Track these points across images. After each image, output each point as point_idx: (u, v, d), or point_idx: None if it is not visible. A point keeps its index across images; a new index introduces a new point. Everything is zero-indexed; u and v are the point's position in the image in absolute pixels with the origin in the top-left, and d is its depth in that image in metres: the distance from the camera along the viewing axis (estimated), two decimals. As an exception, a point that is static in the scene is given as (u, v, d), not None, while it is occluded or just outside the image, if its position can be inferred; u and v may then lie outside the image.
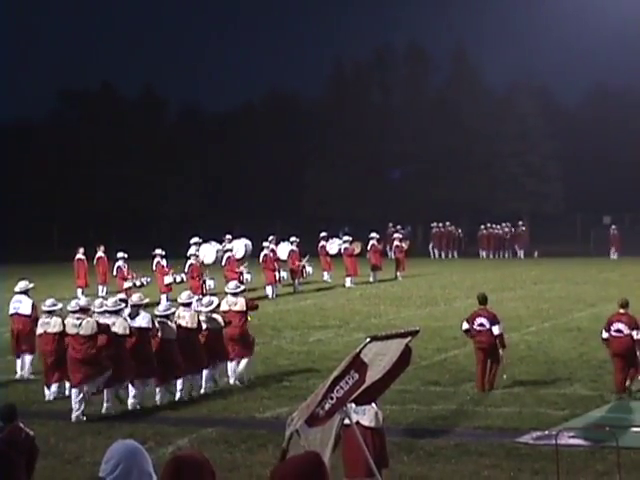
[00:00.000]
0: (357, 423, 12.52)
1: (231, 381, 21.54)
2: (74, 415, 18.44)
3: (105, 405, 19.19)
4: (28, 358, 22.96)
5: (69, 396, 19.32)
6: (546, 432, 16.36)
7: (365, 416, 12.77)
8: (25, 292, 23.42)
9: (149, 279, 35.94)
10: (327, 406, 12.01)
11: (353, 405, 12.41)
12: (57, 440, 16.20)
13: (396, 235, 51.71)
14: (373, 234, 47.17)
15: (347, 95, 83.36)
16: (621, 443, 14.81)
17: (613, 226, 60.75)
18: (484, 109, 79.66)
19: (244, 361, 21.81)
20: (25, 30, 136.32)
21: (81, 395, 18.71)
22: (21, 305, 23.22)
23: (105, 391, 19.29)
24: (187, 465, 5.96)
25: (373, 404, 12.87)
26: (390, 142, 79.80)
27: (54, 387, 20.47)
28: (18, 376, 22.82)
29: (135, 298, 20.78)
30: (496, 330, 20.43)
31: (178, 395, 20.27)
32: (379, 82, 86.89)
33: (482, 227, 64.51)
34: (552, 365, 22.86)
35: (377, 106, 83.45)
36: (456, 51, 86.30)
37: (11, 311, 23.51)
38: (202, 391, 20.83)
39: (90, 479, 6.20)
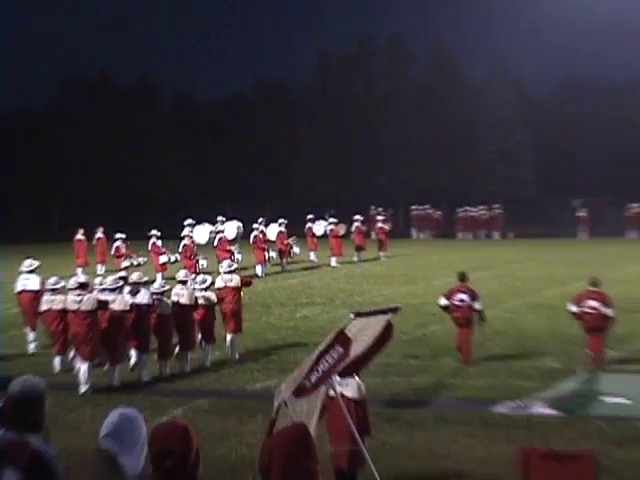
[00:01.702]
0: (341, 395, 12.55)
1: (237, 356, 21.64)
2: (82, 389, 18.48)
3: (112, 378, 19.28)
4: (32, 333, 23.02)
5: (73, 369, 19.41)
6: (520, 402, 16.46)
7: (349, 388, 12.80)
8: (32, 271, 23.48)
9: (145, 259, 35.92)
10: (313, 378, 12.03)
11: (337, 377, 12.44)
12: (59, 411, 16.14)
13: (379, 217, 51.88)
14: (357, 216, 47.39)
15: (332, 85, 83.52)
16: (589, 412, 14.86)
17: (582, 209, 61.03)
18: (462, 99, 79.87)
19: (237, 336, 21.91)
20: (26, 21, 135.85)
21: (89, 370, 18.76)
22: (29, 282, 23.31)
23: (110, 367, 19.38)
24: (173, 429, 5.97)
25: (356, 376, 12.91)
26: (373, 130, 79.91)
27: (58, 359, 20.53)
28: (28, 349, 22.87)
29: (135, 276, 20.79)
30: (477, 305, 20.59)
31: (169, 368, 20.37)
32: (363, 73, 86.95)
33: (460, 210, 64.76)
34: (525, 340, 22.97)
35: (361, 96, 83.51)
36: (435, 44, 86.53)
37: (19, 288, 23.51)
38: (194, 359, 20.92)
39: (93, 450, 6.21)
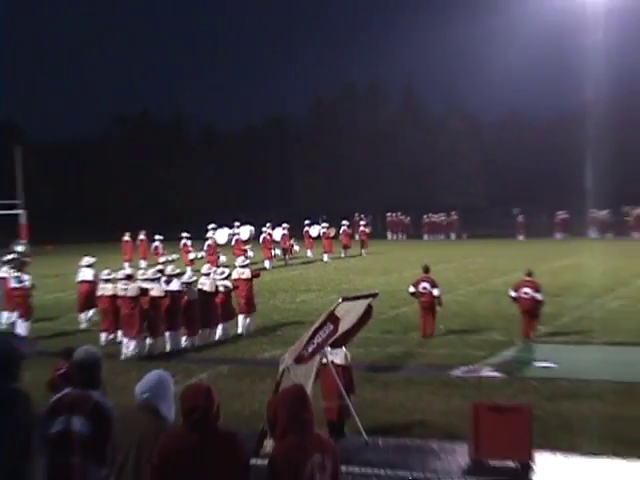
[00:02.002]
0: (332, 362, 12.58)
1: (239, 331, 21.65)
2: (128, 357, 18.59)
3: (151, 349, 19.37)
4: (90, 314, 23.06)
5: (119, 342, 19.43)
6: (471, 367, 16.49)
7: (338, 356, 12.82)
8: (89, 265, 23.55)
9: (177, 256, 35.93)
10: (310, 349, 12.09)
11: (329, 348, 12.48)
12: (109, 374, 16.08)
13: (361, 222, 51.92)
14: (344, 222, 47.58)
15: (324, 119, 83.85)
16: (525, 374, 14.91)
17: (520, 216, 61.11)
18: (427, 130, 79.97)
19: (250, 317, 21.94)
20: (81, 66, 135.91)
21: (132, 343, 18.89)
22: (85, 274, 23.42)
23: (150, 340, 19.47)
24: (199, 389, 6.02)
25: (344, 347, 12.94)
26: (356, 155, 79.98)
27: (104, 335, 20.58)
28: (83, 327, 22.91)
29: (169, 269, 20.84)
30: (436, 292, 20.59)
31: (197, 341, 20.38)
32: (347, 111, 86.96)
33: (425, 216, 64.81)
34: (476, 318, 22.99)
35: (346, 128, 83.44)
36: (405, 86, 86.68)
37: (79, 279, 23.66)
38: (216, 338, 20.94)
39: (139, 404, 6.31)
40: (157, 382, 6.28)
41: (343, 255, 45.20)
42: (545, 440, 11.76)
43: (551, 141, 73.20)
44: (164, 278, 20.09)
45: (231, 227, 43.27)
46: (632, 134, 65.88)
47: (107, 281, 20.77)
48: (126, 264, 37.34)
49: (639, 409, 13.77)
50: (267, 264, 39.14)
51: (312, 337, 12.10)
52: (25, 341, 7.57)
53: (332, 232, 45.42)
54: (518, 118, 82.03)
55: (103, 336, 20.47)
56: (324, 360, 12.35)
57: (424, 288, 20.70)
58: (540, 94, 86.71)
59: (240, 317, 21.74)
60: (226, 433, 5.85)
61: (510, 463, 11.16)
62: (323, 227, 45.77)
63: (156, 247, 39.61)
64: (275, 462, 5.74)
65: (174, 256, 34.10)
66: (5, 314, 22.70)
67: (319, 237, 45.20)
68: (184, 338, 20.05)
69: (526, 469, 11.01)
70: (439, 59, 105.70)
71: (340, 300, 12.80)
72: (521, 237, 58.56)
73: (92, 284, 22.75)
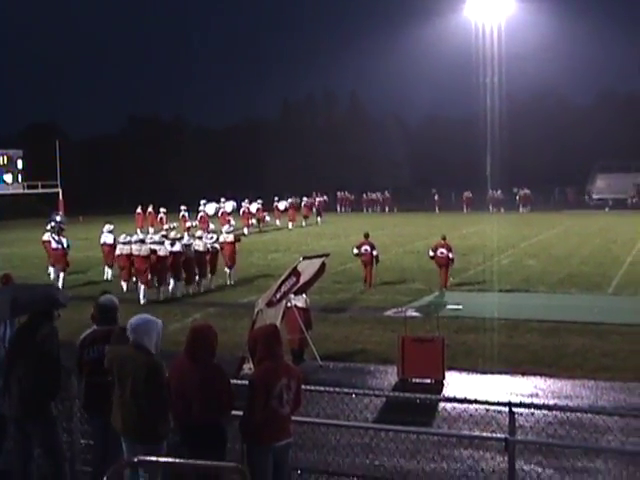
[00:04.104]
0: (295, 305, 12.64)
1: (228, 282, 21.60)
2: (142, 301, 18.37)
3: (158, 295, 19.21)
4: (110, 269, 22.80)
5: (135, 288, 19.28)
6: (399, 309, 16.67)
7: (299, 301, 12.87)
8: (110, 231, 23.21)
9: (177, 224, 35.52)
10: (278, 295, 12.11)
11: (292, 295, 12.53)
12: (129, 314, 16.09)
13: (318, 199, 51.80)
14: (305, 198, 47.54)
15: (291, 121, 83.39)
16: (439, 314, 15.09)
17: (437, 194, 61.40)
18: (368, 129, 79.85)
19: (233, 270, 21.89)
20: (102, 75, 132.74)
21: (145, 290, 18.72)
22: (107, 238, 23.04)
23: (158, 288, 19.34)
24: (201, 329, 6.08)
25: (304, 294, 13.00)
26: (314, 147, 79.63)
27: (125, 284, 20.34)
28: (105, 278, 22.68)
29: (172, 234, 20.68)
30: (374, 252, 20.68)
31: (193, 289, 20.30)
32: (308, 112, 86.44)
33: (365, 194, 64.83)
34: (403, 272, 23.15)
35: (306, 126, 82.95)
36: (351, 92, 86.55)
37: (101, 242, 23.31)
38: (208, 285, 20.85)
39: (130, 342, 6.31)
40: (139, 324, 6.19)
41: (304, 224, 45.05)
42: (454, 362, 11.98)
43: (460, 137, 73.20)
44: (168, 241, 19.92)
45: (218, 202, 42.94)
46: (519, 131, 66.22)
47: (124, 244, 20.49)
48: (138, 230, 36.87)
49: (522, 339, 14.07)
50: (245, 231, 38.90)
51: (279, 286, 12.14)
52: (63, 292, 7.48)
53: (296, 206, 45.32)
54: (436, 119, 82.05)
55: (124, 285, 20.26)
56: (289, 304, 12.41)
57: (365, 249, 20.78)
58: (452, 100, 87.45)
59: (226, 270, 21.69)
60: (215, 364, 5.91)
61: (427, 380, 11.34)
62: (288, 202, 45.61)
63: (161, 218, 39.10)
64: (254, 382, 5.79)
65: (175, 224, 33.79)
66: (51, 269, 22.46)
67: (285, 210, 45.01)
68: (183, 286, 19.97)
69: (439, 384, 11.21)
70: (377, 72, 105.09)
71: (301, 258, 12.84)
72: (437, 211, 58.90)
73: (112, 246, 22.46)
